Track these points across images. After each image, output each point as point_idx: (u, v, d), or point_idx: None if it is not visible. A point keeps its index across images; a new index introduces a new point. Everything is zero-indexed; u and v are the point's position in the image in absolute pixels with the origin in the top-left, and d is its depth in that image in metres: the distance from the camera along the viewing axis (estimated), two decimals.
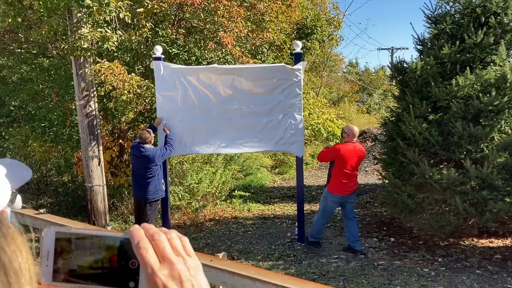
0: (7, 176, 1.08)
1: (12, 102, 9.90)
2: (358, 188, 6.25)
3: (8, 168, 1.11)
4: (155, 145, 6.40)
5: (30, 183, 10.04)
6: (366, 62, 38.60)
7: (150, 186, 6.11)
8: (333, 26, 13.84)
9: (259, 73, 6.29)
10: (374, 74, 34.31)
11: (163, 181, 6.24)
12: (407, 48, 32.02)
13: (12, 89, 9.32)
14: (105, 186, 7.12)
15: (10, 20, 6.55)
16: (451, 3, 6.57)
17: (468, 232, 6.33)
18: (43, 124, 8.72)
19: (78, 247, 0.63)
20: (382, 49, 37.30)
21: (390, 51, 29.62)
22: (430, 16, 6.72)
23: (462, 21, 6.32)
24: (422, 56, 6.50)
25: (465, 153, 5.69)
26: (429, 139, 5.88)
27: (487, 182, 5.49)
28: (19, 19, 6.85)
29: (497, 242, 6.18)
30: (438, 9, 6.69)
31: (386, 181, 6.81)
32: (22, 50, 7.99)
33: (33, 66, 8.67)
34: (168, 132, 6.21)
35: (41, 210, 6.52)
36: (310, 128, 8.61)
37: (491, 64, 5.94)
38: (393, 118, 7.08)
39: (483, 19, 6.10)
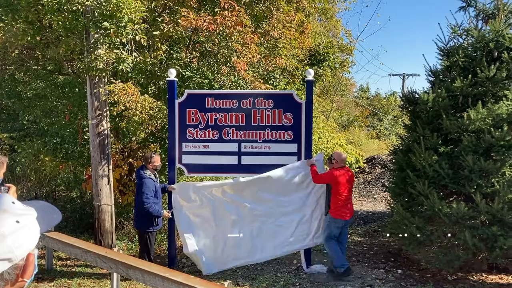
0: (38, 219, 1.10)
1: (26, 117, 10.03)
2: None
3: (39, 211, 1.13)
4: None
5: (39, 197, 10.09)
6: (377, 88, 38.67)
7: (138, 214, 6.09)
8: (345, 53, 13.95)
9: (281, 176, 6.16)
10: (384, 100, 34.34)
11: (155, 215, 5.99)
12: (418, 75, 31.99)
13: (26, 105, 9.44)
14: (113, 206, 7.13)
15: (29, 38, 6.68)
16: (464, 36, 6.60)
17: (477, 267, 6.23)
18: (55, 141, 8.81)
19: None
20: (394, 75, 37.38)
21: (402, 77, 29.64)
22: (442, 48, 6.74)
23: (475, 54, 6.33)
24: (433, 88, 6.50)
25: (475, 187, 5.64)
26: (439, 171, 5.84)
27: (497, 218, 5.43)
28: (38, 38, 6.98)
29: (507, 279, 6.05)
30: (451, 42, 6.73)
31: (395, 210, 6.76)
32: (39, 67, 8.11)
33: (48, 82, 8.79)
34: (170, 189, 6.19)
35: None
36: (319, 152, 8.61)
37: (503, 98, 5.93)
38: (403, 148, 7.06)
39: (496, 54, 6.11)
